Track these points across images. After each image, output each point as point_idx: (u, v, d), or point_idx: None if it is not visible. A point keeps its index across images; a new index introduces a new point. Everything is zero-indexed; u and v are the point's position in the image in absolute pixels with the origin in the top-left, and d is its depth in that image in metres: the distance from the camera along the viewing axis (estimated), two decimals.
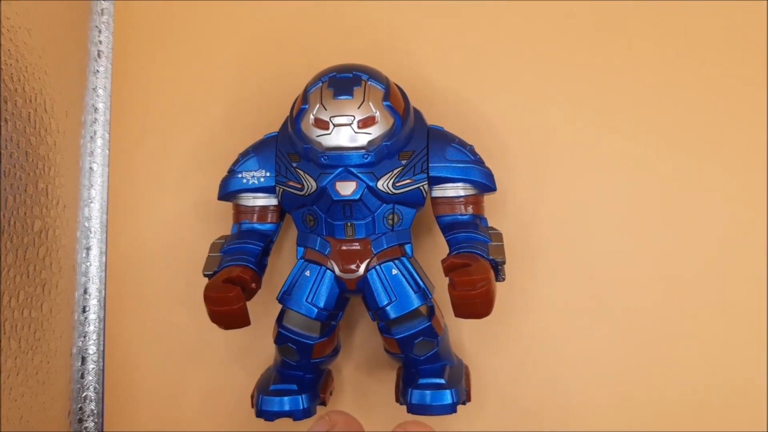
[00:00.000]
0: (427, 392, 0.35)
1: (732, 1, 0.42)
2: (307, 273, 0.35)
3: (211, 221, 0.43)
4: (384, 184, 0.34)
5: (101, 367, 0.42)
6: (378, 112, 0.33)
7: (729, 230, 0.41)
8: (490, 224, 0.37)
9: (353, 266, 0.35)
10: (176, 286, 0.43)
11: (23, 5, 0.37)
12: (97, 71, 0.44)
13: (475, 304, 0.31)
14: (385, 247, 0.35)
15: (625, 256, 0.42)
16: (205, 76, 0.45)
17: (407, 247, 0.36)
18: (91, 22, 0.44)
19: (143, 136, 0.45)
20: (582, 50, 0.43)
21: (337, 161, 0.34)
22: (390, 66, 0.38)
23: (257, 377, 0.39)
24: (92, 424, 0.42)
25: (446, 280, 0.32)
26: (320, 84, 0.34)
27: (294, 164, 0.35)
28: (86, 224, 0.43)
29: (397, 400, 0.37)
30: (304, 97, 0.34)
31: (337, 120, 0.33)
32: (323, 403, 0.38)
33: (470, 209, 0.36)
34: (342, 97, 0.33)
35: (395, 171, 0.35)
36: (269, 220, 0.38)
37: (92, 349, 0.42)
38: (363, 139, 0.33)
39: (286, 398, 0.36)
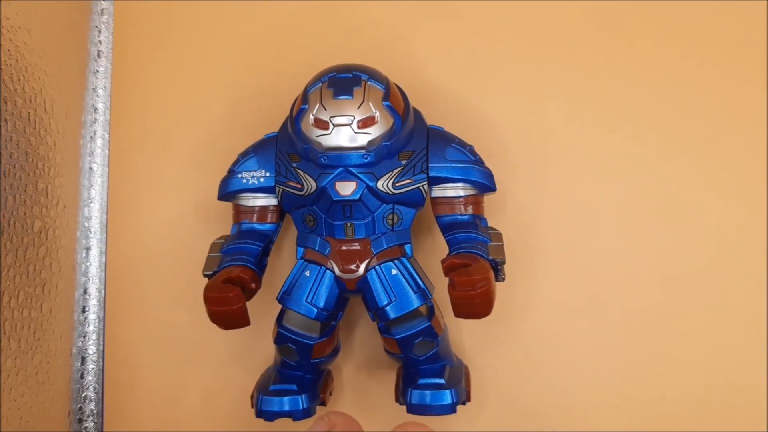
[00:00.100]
0: (427, 392, 0.35)
1: (732, 1, 0.42)
2: (307, 273, 0.35)
3: (211, 221, 0.43)
4: (384, 184, 0.34)
5: (101, 367, 0.42)
6: (378, 112, 0.33)
7: (729, 230, 0.41)
8: (490, 224, 0.37)
9: (353, 266, 0.35)
10: (176, 286, 0.43)
11: (23, 5, 0.37)
12: (97, 71, 0.44)
13: (475, 304, 0.31)
14: (385, 247, 0.35)
15: (625, 256, 0.42)
16: (205, 76, 0.45)
17: (407, 248, 0.36)
18: (91, 22, 0.44)
19: (143, 136, 0.45)
20: (582, 50, 0.43)
21: (336, 161, 0.34)
22: (390, 66, 0.38)
23: (257, 377, 0.39)
24: (92, 424, 0.42)
25: (446, 280, 0.32)
26: (320, 84, 0.34)
27: (294, 164, 0.35)
28: (86, 224, 0.43)
29: (397, 401, 0.37)
30: (304, 97, 0.34)
31: (337, 120, 0.33)
32: (323, 404, 0.38)
33: (470, 209, 0.36)
34: (342, 97, 0.33)
35: (395, 171, 0.35)
36: (269, 220, 0.38)
37: (92, 349, 0.42)
38: (363, 139, 0.33)
39: (285, 398, 0.36)
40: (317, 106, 0.33)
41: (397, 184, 0.35)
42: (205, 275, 0.36)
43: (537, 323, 0.42)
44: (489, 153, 0.38)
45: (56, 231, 0.40)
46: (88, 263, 0.43)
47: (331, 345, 0.38)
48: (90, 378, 0.42)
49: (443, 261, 0.33)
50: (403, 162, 0.35)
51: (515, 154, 0.42)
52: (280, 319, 0.36)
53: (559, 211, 0.42)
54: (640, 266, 0.42)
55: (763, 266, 0.41)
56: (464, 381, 0.37)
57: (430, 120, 0.37)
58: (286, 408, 0.36)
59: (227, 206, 0.39)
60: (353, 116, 0.33)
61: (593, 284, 0.42)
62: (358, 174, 0.34)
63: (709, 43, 0.42)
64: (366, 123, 0.33)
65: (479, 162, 0.36)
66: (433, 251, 0.41)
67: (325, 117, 0.33)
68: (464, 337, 0.42)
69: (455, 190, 0.36)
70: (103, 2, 0.45)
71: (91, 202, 0.43)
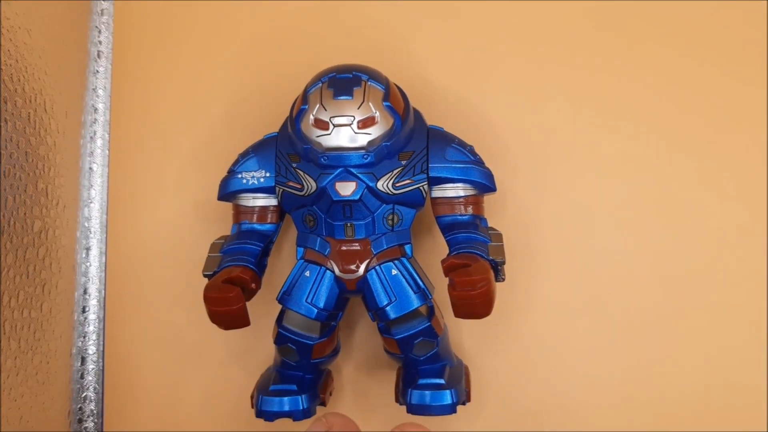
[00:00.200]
0: (427, 392, 0.35)
1: (732, 1, 0.42)
2: (307, 273, 0.35)
3: (211, 221, 0.43)
4: (384, 184, 0.34)
5: (101, 368, 0.42)
6: (378, 113, 0.33)
7: (729, 230, 0.41)
8: (490, 224, 0.37)
9: (353, 266, 0.35)
10: (176, 287, 0.43)
11: (23, 5, 0.37)
12: (97, 71, 0.44)
13: (475, 304, 0.31)
14: (385, 247, 0.35)
15: (625, 256, 0.42)
16: (205, 76, 0.45)
17: (407, 248, 0.36)
18: (91, 22, 0.44)
19: (143, 136, 0.45)
20: (582, 50, 0.43)
21: (336, 161, 0.34)
22: (390, 66, 0.38)
23: (257, 377, 0.39)
24: (92, 424, 0.42)
25: (446, 280, 0.32)
26: (320, 84, 0.34)
27: (294, 164, 0.35)
28: (86, 224, 0.43)
29: (397, 401, 0.37)
30: (304, 98, 0.34)
31: (337, 120, 0.33)
32: (323, 404, 0.38)
33: (470, 209, 0.36)
34: (342, 98, 0.33)
35: (395, 171, 0.35)
36: (269, 220, 0.38)
37: (92, 349, 0.42)
38: (363, 139, 0.33)
39: (285, 398, 0.36)
40: (317, 106, 0.33)
41: (397, 185, 0.35)
42: (205, 275, 0.36)
43: (537, 323, 0.42)
44: (489, 153, 0.38)
45: (56, 231, 0.40)
46: (88, 263, 0.43)
47: (331, 345, 0.38)
48: (90, 378, 0.42)
49: (443, 261, 0.33)
50: (403, 162, 0.35)
51: (515, 154, 0.42)
52: (280, 320, 0.36)
53: (559, 211, 0.42)
54: (640, 266, 0.42)
55: (763, 266, 0.41)
56: (464, 381, 0.37)
57: (430, 120, 0.37)
58: (286, 408, 0.36)
59: (227, 206, 0.39)
60: (353, 116, 0.33)
61: (593, 284, 0.42)
62: (358, 174, 0.34)
63: (709, 43, 0.42)
64: (366, 123, 0.33)
65: (479, 162, 0.36)
66: (433, 251, 0.41)
67: (325, 117, 0.33)
68: (464, 337, 0.42)
69: (455, 191, 0.36)
70: (103, 2, 0.45)
71: (91, 203, 0.43)
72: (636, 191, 0.42)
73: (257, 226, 0.38)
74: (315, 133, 0.34)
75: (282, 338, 0.36)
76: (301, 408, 0.36)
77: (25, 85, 0.37)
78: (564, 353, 0.41)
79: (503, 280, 0.35)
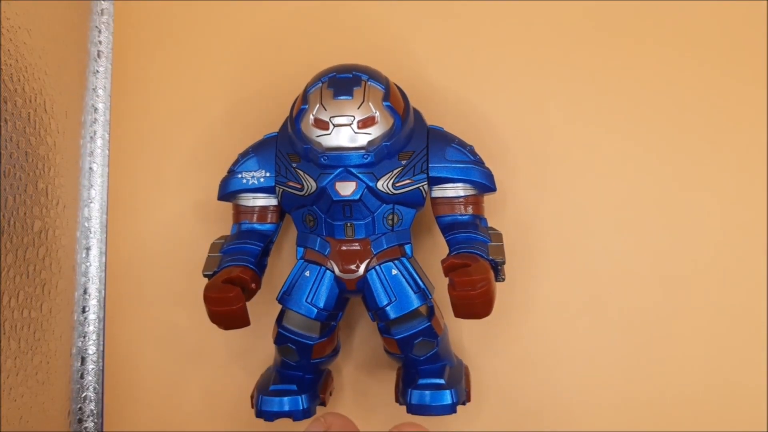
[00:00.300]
0: (427, 392, 0.35)
1: (732, 1, 0.42)
2: (307, 273, 0.35)
3: (211, 221, 0.43)
4: (384, 184, 0.34)
5: (101, 368, 0.42)
6: (378, 113, 0.33)
7: (729, 230, 0.41)
8: (490, 224, 0.37)
9: (353, 266, 0.35)
10: (176, 287, 0.43)
11: (23, 5, 0.37)
12: (97, 71, 0.44)
13: (475, 304, 0.31)
14: (385, 247, 0.35)
15: (625, 256, 0.42)
16: (205, 76, 0.45)
17: (407, 248, 0.36)
18: (91, 22, 0.44)
19: (143, 136, 0.45)
20: (582, 50, 0.43)
21: (336, 161, 0.34)
22: (390, 66, 0.38)
23: (257, 377, 0.39)
24: (92, 424, 0.42)
25: (446, 280, 0.32)
26: (320, 84, 0.34)
27: (294, 164, 0.35)
28: (86, 224, 0.43)
29: (397, 401, 0.37)
30: (304, 98, 0.34)
31: (337, 120, 0.33)
32: (323, 404, 0.38)
33: (470, 209, 0.36)
34: (342, 98, 0.33)
35: (395, 171, 0.35)
36: (269, 220, 0.38)
37: (92, 349, 0.42)
38: (363, 139, 0.33)
39: (285, 398, 0.36)
40: (317, 106, 0.33)
41: (397, 185, 0.35)
42: (205, 275, 0.36)
43: (537, 323, 0.42)
44: (489, 153, 0.38)
45: (56, 231, 0.40)
46: (88, 263, 0.43)
47: (331, 345, 0.38)
48: (90, 378, 0.42)
49: (443, 261, 0.33)
50: (403, 162, 0.35)
51: (515, 154, 0.42)
52: (280, 320, 0.36)
53: (559, 211, 0.42)
54: (640, 266, 0.42)
55: (763, 266, 0.41)
56: (464, 381, 0.37)
57: (430, 120, 0.37)
58: (286, 408, 0.36)
59: (227, 206, 0.39)
60: (353, 116, 0.33)
61: (593, 284, 0.42)
62: (358, 174, 0.34)
63: (709, 43, 0.42)
64: (366, 123, 0.33)
65: (479, 162, 0.36)
66: (433, 251, 0.41)
67: (325, 117, 0.33)
68: (464, 337, 0.42)
69: (455, 191, 0.36)
70: (103, 2, 0.45)
71: (91, 202, 0.43)
72: (636, 191, 0.42)
73: (257, 226, 0.38)
74: (315, 133, 0.34)
75: (282, 338, 0.36)
76: (301, 408, 0.36)
77: (25, 84, 0.37)
78: (564, 353, 0.41)
79: (503, 280, 0.35)
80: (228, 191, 0.37)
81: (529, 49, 0.43)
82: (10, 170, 0.35)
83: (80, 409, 0.42)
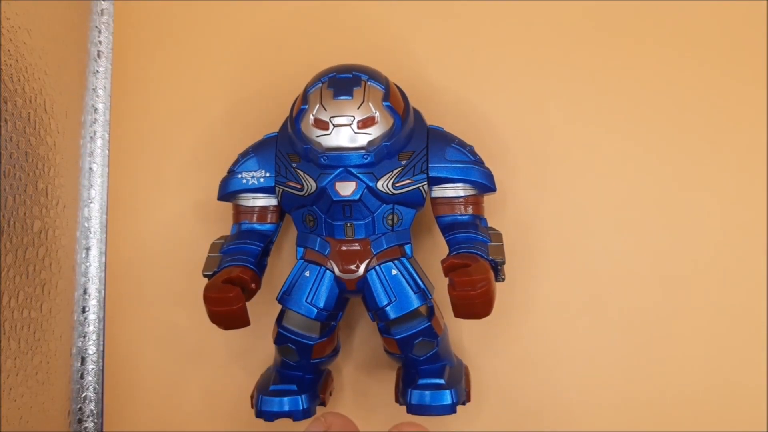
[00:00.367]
0: (427, 392, 0.35)
1: (732, 1, 0.42)
2: (307, 273, 0.35)
3: (211, 221, 0.43)
4: (384, 184, 0.34)
5: (101, 368, 0.42)
6: (378, 113, 0.33)
7: (729, 230, 0.41)
8: (490, 224, 0.37)
9: (353, 266, 0.35)
10: (176, 287, 0.43)
11: (23, 5, 0.37)
12: (97, 71, 0.44)
13: (474, 304, 0.31)
14: (385, 247, 0.35)
15: (625, 256, 0.42)
16: (205, 76, 0.45)
17: (407, 248, 0.36)
18: (91, 22, 0.44)
19: (143, 136, 0.45)
20: (581, 50, 0.43)
21: (336, 161, 0.34)
22: (390, 66, 0.38)
23: (257, 377, 0.39)
24: (92, 424, 0.42)
25: (446, 280, 0.32)
26: (320, 84, 0.34)
27: (294, 164, 0.35)
28: (86, 224, 0.43)
29: (397, 401, 0.37)
30: (304, 98, 0.34)
31: (337, 120, 0.33)
32: (323, 404, 0.38)
33: (470, 209, 0.36)
34: (342, 98, 0.33)
35: (395, 171, 0.35)
36: (269, 220, 0.38)
37: (92, 349, 0.42)
38: (363, 139, 0.33)
39: (285, 398, 0.36)
40: (317, 106, 0.33)
41: (397, 185, 0.35)
42: (204, 275, 0.36)
43: (537, 323, 0.42)
44: (489, 153, 0.38)
45: (56, 231, 0.40)
46: (88, 263, 0.43)
47: (331, 345, 0.38)
48: (90, 378, 0.42)
49: (443, 261, 0.33)
50: (403, 162, 0.35)
51: (515, 154, 0.42)
52: (280, 320, 0.36)
53: (559, 211, 0.42)
54: (640, 266, 0.41)
55: (763, 266, 0.41)
56: (464, 381, 0.37)
57: (430, 120, 0.37)
58: (286, 408, 0.36)
59: (227, 206, 0.39)
60: (353, 116, 0.33)
61: (593, 284, 0.42)
62: (358, 174, 0.34)
63: (709, 43, 0.42)
64: (366, 123, 0.33)
65: (479, 162, 0.36)
66: (433, 251, 0.41)
67: (325, 117, 0.33)
68: (464, 337, 0.42)
69: (455, 191, 0.36)
70: (103, 2, 0.45)
71: (90, 203, 0.43)
72: (636, 191, 0.42)
73: (257, 226, 0.38)
74: (315, 133, 0.34)
75: (282, 338, 0.36)
76: (301, 408, 0.36)
77: (25, 85, 0.37)
78: (564, 353, 0.41)
79: (503, 280, 0.35)
80: (228, 191, 0.37)
81: (529, 49, 0.43)
82: (10, 170, 0.35)
83: (80, 409, 0.42)
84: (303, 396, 0.36)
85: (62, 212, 0.40)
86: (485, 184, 0.36)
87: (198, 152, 0.44)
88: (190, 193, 0.44)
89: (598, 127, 0.42)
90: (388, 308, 0.34)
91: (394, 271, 0.35)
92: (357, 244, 0.35)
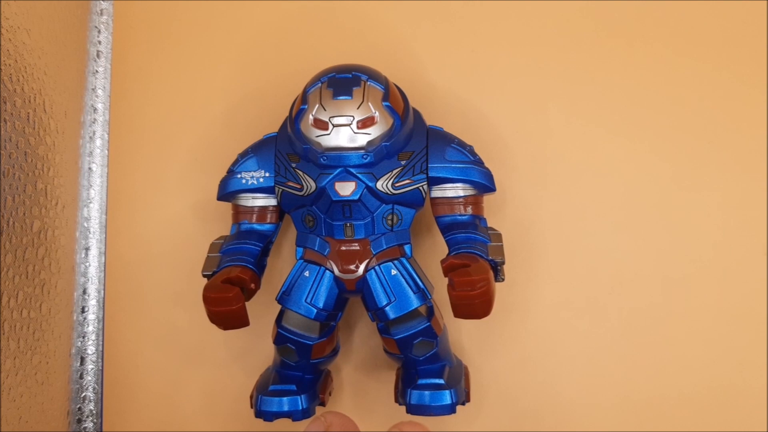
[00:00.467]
0: (426, 392, 0.35)
1: (732, 1, 0.42)
2: (307, 273, 0.35)
3: (211, 221, 0.43)
4: (383, 184, 0.34)
5: (100, 368, 0.42)
6: (377, 113, 0.33)
7: (729, 230, 0.41)
8: (489, 224, 0.36)
9: (352, 267, 0.35)
10: (175, 287, 0.43)
11: (23, 5, 0.37)
12: (97, 71, 0.44)
13: (474, 304, 0.31)
14: (385, 247, 0.35)
15: (625, 255, 0.42)
16: (205, 76, 0.45)
17: (406, 248, 0.36)
18: (91, 22, 0.44)
19: (142, 136, 0.45)
20: (581, 51, 0.43)
21: (336, 161, 0.34)
22: (389, 66, 0.38)
23: (256, 378, 0.39)
24: (91, 424, 0.42)
25: (446, 280, 0.32)
26: (319, 84, 0.34)
27: (293, 164, 0.35)
28: (85, 224, 0.43)
29: (397, 401, 0.37)
30: (304, 98, 0.34)
31: (337, 120, 0.33)
32: (322, 404, 0.38)
33: (470, 210, 0.36)
34: (341, 98, 0.33)
35: (394, 171, 0.35)
36: (268, 220, 0.38)
37: (91, 349, 0.42)
38: (362, 139, 0.33)
39: (285, 399, 0.36)
40: (317, 106, 0.33)
41: (396, 185, 0.35)
42: (204, 275, 0.36)
43: (537, 323, 0.42)
44: (489, 153, 0.38)
45: (55, 231, 0.40)
46: (88, 263, 0.43)
47: (331, 345, 0.38)
48: (89, 378, 0.42)
49: (443, 261, 0.33)
50: (403, 162, 0.35)
51: (515, 154, 0.42)
52: (279, 320, 0.36)
53: (559, 211, 0.42)
54: (639, 266, 0.41)
55: (763, 266, 0.41)
56: (464, 381, 0.37)
57: (430, 120, 0.37)
58: (286, 408, 0.36)
59: (227, 206, 0.39)
60: (353, 116, 0.33)
61: (593, 284, 0.42)
62: (358, 174, 0.34)
63: (709, 43, 0.42)
64: (365, 123, 0.33)
65: (479, 162, 0.36)
66: (432, 251, 0.41)
67: (324, 117, 0.33)
68: (464, 337, 0.42)
69: (455, 191, 0.36)
70: (102, 2, 0.45)
71: (90, 203, 0.43)
72: (636, 191, 0.42)
73: (257, 226, 0.38)
74: (314, 133, 0.34)
75: (281, 338, 0.36)
76: (301, 408, 0.36)
77: (24, 85, 0.37)
78: (563, 353, 0.41)
79: (503, 280, 0.35)
80: (227, 191, 0.37)
81: (529, 49, 0.43)
82: (10, 170, 0.35)
83: (79, 409, 0.42)
84: (302, 396, 0.36)
85: (61, 212, 0.40)
86: (485, 184, 0.36)
87: (197, 152, 0.44)
88: (190, 193, 0.44)
89: (598, 127, 0.42)
90: (387, 308, 0.34)
91: (394, 271, 0.35)
92: (356, 244, 0.35)
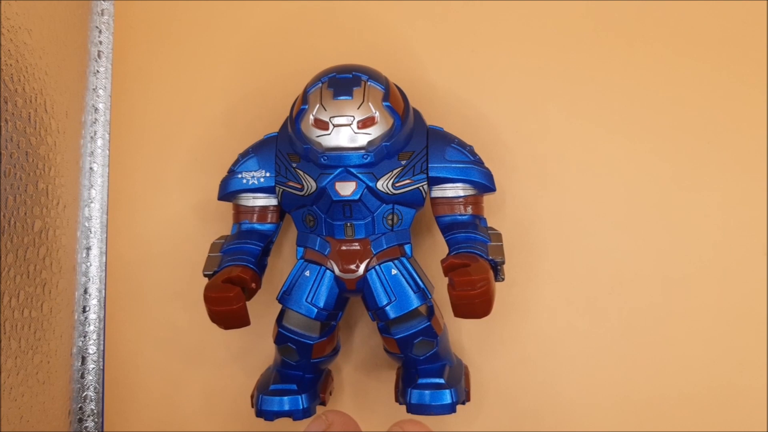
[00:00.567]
0: (427, 392, 0.35)
1: (732, 1, 0.42)
2: (307, 273, 0.36)
3: (211, 221, 0.43)
4: (383, 184, 0.34)
5: (101, 367, 0.42)
6: (377, 113, 0.33)
7: (729, 230, 0.41)
8: (489, 224, 0.37)
9: (353, 266, 0.35)
10: (176, 286, 0.43)
11: (23, 5, 0.37)
12: (98, 71, 0.44)
13: (474, 304, 0.31)
14: (385, 247, 0.35)
15: (625, 256, 0.42)
16: (205, 76, 0.45)
17: (407, 248, 0.36)
18: (92, 22, 0.44)
19: (143, 136, 0.45)
20: (581, 50, 0.43)
21: (336, 161, 0.34)
22: (390, 66, 0.38)
23: (257, 377, 0.39)
24: (92, 423, 0.42)
25: (446, 280, 0.32)
26: (320, 84, 0.34)
27: (294, 164, 0.35)
28: (86, 224, 0.43)
29: (397, 400, 0.37)
30: (304, 98, 0.34)
31: (337, 120, 0.33)
32: (323, 403, 0.38)
33: (470, 209, 0.36)
34: (342, 98, 0.33)
35: (395, 171, 0.35)
36: (269, 220, 0.38)
37: (92, 348, 0.42)
38: (363, 139, 0.33)
39: (285, 398, 0.36)
40: (317, 106, 0.34)
41: (396, 185, 0.35)
42: (205, 275, 0.36)
43: (537, 323, 0.42)
44: (489, 153, 0.38)
45: (56, 231, 0.40)
46: (89, 263, 0.43)
47: (331, 345, 0.38)
48: (90, 378, 0.42)
49: (443, 261, 0.33)
50: (403, 162, 0.35)
51: (515, 154, 0.42)
52: (280, 319, 0.37)
53: (559, 211, 0.42)
54: (639, 266, 0.42)
55: (763, 266, 0.41)
56: (464, 381, 0.37)
57: (430, 120, 0.37)
58: (286, 408, 0.36)
59: (227, 206, 0.39)
60: (353, 116, 0.33)
61: (593, 284, 0.42)
62: (358, 174, 0.34)
63: (709, 43, 0.42)
64: (366, 123, 0.33)
65: (479, 162, 0.36)
66: (432, 251, 0.41)
67: (324, 117, 0.33)
68: (464, 337, 0.42)
69: (455, 191, 0.36)
70: (103, 2, 0.45)
71: (91, 202, 0.43)
72: (636, 191, 0.42)
73: (257, 226, 0.38)
74: (315, 133, 0.34)
75: (282, 338, 0.36)
76: (301, 407, 0.36)
77: (25, 85, 0.37)
78: (564, 353, 0.41)
79: (503, 279, 0.35)
80: (228, 191, 0.38)
81: (529, 49, 0.43)
82: (11, 170, 0.36)
83: (80, 408, 0.42)
84: (303, 395, 0.36)
85: (63, 212, 0.41)
86: (485, 184, 0.36)
87: (198, 152, 0.44)
88: (191, 192, 0.44)
89: (598, 127, 0.42)
90: (387, 308, 0.35)
91: (394, 271, 0.35)
92: (357, 244, 0.35)
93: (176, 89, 0.45)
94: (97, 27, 0.44)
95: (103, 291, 0.43)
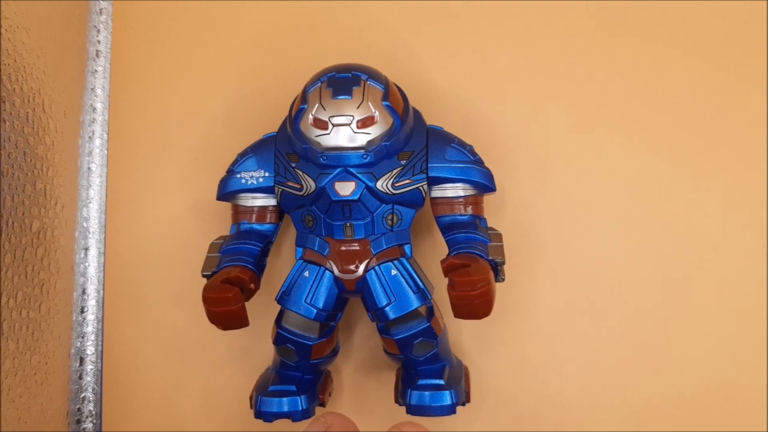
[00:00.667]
0: (426, 393, 0.35)
1: (732, 1, 0.42)
2: (306, 273, 0.35)
3: (210, 221, 0.43)
4: (383, 184, 0.34)
5: (99, 368, 0.42)
6: (377, 112, 0.33)
7: (729, 230, 0.41)
8: (489, 224, 0.36)
9: (352, 267, 0.35)
10: (175, 287, 0.43)
11: (22, 5, 0.37)
12: (96, 71, 0.44)
13: (474, 304, 0.31)
14: (385, 247, 0.35)
15: (625, 256, 0.42)
16: (205, 76, 0.45)
17: (406, 248, 0.36)
18: (90, 21, 0.44)
19: (142, 136, 0.45)
20: (582, 51, 0.43)
21: (336, 161, 0.34)
22: (389, 66, 0.38)
23: (256, 378, 0.39)
24: (90, 425, 0.42)
25: (446, 280, 0.32)
26: (319, 84, 0.34)
27: (293, 164, 0.35)
28: (84, 224, 0.43)
29: (397, 401, 0.37)
30: (303, 97, 0.34)
31: (336, 120, 0.33)
32: (322, 404, 0.38)
33: (470, 209, 0.36)
34: (341, 97, 0.33)
35: (394, 171, 0.35)
36: (268, 220, 0.38)
37: (90, 349, 0.42)
38: (362, 139, 0.33)
39: (284, 399, 0.36)
40: (316, 105, 0.33)
41: (396, 185, 0.35)
42: (203, 275, 0.36)
43: (537, 323, 0.42)
44: (489, 153, 0.38)
45: (55, 231, 0.40)
46: (87, 263, 0.43)
47: (330, 345, 0.38)
48: (89, 379, 0.42)
49: (443, 261, 0.33)
50: (403, 162, 0.35)
51: (515, 154, 0.42)
52: (279, 320, 0.36)
53: (559, 211, 0.42)
54: (639, 266, 0.41)
55: (763, 266, 0.41)
56: (464, 382, 0.37)
57: (430, 120, 0.37)
58: (285, 409, 0.36)
59: (226, 206, 0.39)
60: (352, 116, 0.33)
61: (593, 284, 0.42)
62: (358, 174, 0.34)
63: (709, 43, 0.42)
64: (365, 123, 0.33)
65: (479, 162, 0.36)
66: (432, 251, 0.41)
67: (324, 117, 0.33)
68: (464, 337, 0.42)
69: (455, 191, 0.36)
70: (101, 2, 0.45)
71: (89, 203, 0.43)
72: (636, 191, 0.42)
73: (256, 226, 0.38)
74: (314, 133, 0.34)
75: (281, 339, 0.36)
76: (300, 409, 0.36)
77: (23, 84, 0.37)
78: (564, 353, 0.41)
79: (503, 280, 0.34)
80: (227, 191, 0.37)
81: (530, 49, 0.43)
82: (9, 170, 0.35)
83: (79, 409, 0.42)
84: (302, 396, 0.36)
85: (61, 212, 0.40)
86: (485, 184, 0.36)
87: (197, 152, 0.44)
88: (189, 193, 0.44)
89: (598, 128, 0.42)
90: (387, 308, 0.34)
91: (394, 272, 0.35)
92: (356, 244, 0.35)
93: (175, 89, 0.45)
94: (95, 26, 0.44)
95: (102, 292, 0.43)
